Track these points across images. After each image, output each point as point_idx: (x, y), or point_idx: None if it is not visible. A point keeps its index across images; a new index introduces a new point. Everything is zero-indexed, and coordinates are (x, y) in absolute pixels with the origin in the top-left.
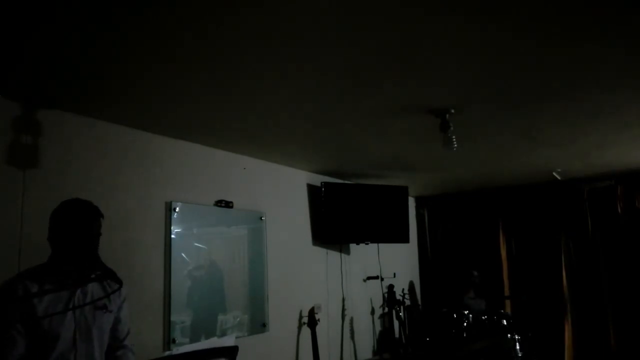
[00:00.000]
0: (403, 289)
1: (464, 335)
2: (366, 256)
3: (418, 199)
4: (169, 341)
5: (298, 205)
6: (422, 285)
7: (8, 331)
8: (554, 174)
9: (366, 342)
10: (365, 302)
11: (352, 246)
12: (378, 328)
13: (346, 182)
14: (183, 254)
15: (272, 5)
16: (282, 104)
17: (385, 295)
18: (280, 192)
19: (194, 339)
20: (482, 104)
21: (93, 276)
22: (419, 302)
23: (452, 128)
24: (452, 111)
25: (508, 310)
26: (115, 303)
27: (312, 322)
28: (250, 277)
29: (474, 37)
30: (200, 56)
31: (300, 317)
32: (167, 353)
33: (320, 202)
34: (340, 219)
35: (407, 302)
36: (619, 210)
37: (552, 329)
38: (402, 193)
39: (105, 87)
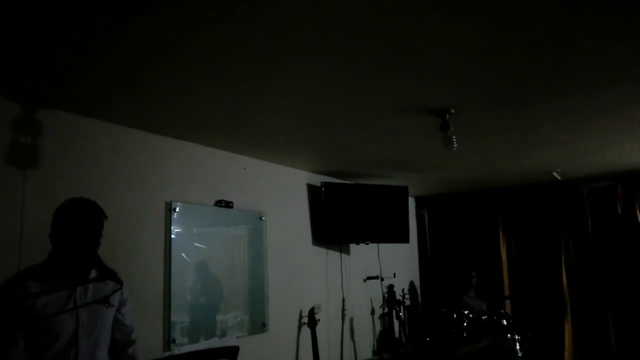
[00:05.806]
0: (403, 289)
1: (464, 335)
2: (366, 256)
3: (418, 199)
4: (169, 341)
5: (298, 205)
6: (422, 285)
7: (9, 331)
8: (554, 174)
9: (366, 342)
10: (365, 302)
11: (352, 246)
12: (378, 328)
13: (346, 182)
14: (183, 254)
15: (272, 7)
16: (282, 104)
17: (385, 295)
18: (280, 192)
19: (194, 339)
20: (482, 104)
21: (93, 276)
22: (419, 302)
23: (452, 128)
24: (452, 111)
25: (508, 310)
26: (116, 298)
27: (312, 322)
28: (250, 277)
29: (473, 37)
30: (200, 56)
31: (300, 317)
32: (167, 353)
33: (320, 202)
34: (340, 219)
35: (407, 302)
36: (619, 210)
37: (552, 329)
38: (402, 193)
39: (105, 87)
